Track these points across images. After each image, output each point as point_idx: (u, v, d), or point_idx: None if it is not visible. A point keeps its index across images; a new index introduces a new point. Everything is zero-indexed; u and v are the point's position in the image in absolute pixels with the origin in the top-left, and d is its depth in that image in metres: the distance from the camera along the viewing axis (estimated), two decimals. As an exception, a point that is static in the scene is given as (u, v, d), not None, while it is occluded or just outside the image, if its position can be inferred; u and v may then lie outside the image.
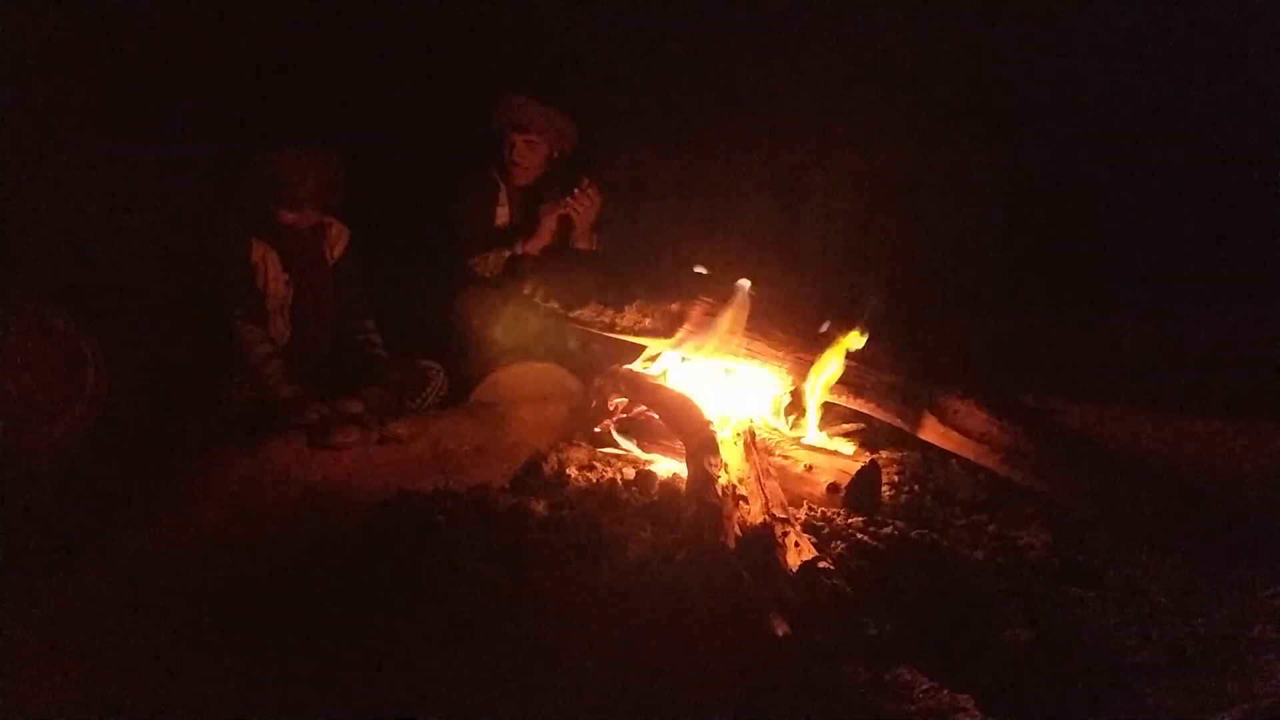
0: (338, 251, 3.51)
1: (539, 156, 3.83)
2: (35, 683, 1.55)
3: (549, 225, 3.75)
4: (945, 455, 2.62)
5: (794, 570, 1.79)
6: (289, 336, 3.37)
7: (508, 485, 2.52)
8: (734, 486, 2.07)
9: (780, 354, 2.64)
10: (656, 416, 2.78)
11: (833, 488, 2.51)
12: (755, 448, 2.37)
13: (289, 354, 3.29)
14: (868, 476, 2.42)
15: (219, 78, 4.06)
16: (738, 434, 2.41)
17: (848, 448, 2.86)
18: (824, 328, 2.59)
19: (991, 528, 2.21)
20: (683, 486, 2.21)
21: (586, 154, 4.15)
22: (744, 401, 2.81)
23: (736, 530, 1.90)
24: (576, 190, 3.70)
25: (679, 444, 2.51)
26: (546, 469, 2.63)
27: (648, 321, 2.59)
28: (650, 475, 2.52)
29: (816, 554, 1.87)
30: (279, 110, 3.72)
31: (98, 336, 2.55)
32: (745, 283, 2.64)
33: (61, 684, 1.55)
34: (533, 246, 3.72)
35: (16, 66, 3.35)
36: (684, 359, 2.86)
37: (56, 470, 2.39)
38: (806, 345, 2.61)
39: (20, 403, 2.38)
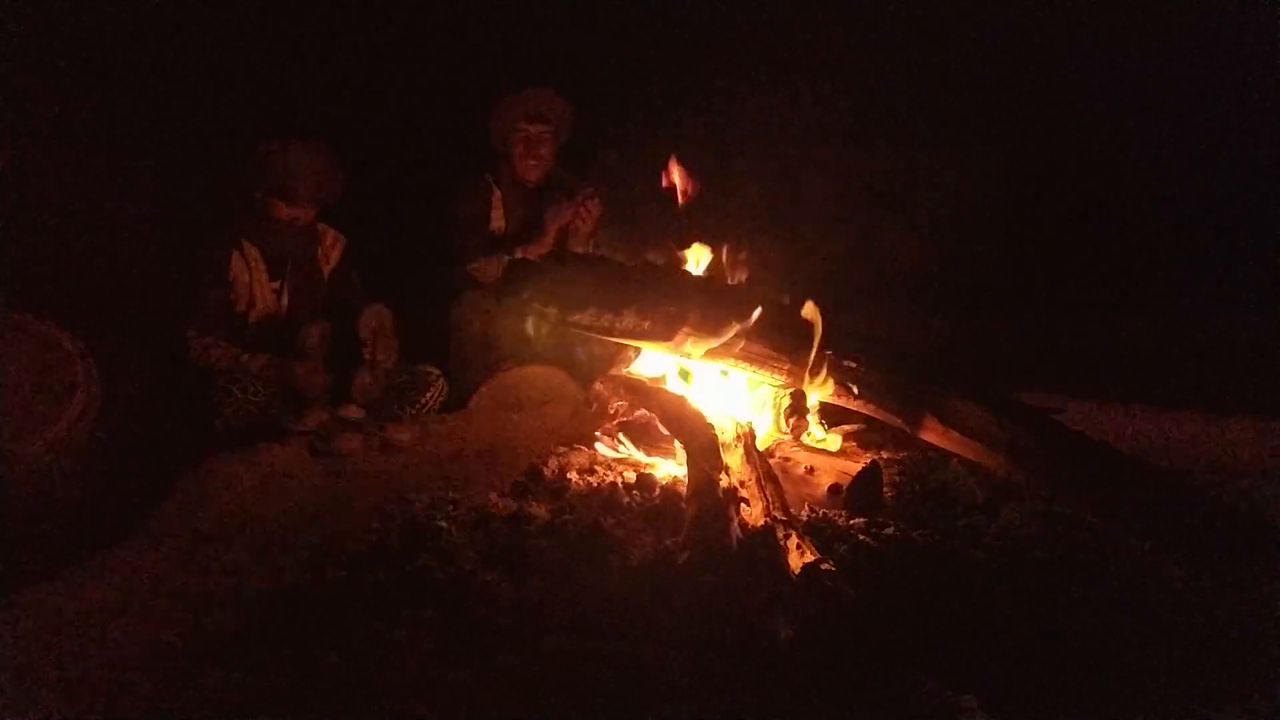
0: (334, 259, 3.50)
1: (553, 148, 3.85)
2: (34, 685, 1.55)
3: (552, 233, 3.75)
4: (945, 455, 2.63)
5: (796, 572, 1.80)
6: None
7: (509, 490, 2.52)
8: (735, 489, 2.08)
9: (778, 356, 2.64)
10: (657, 420, 2.78)
11: (834, 489, 2.52)
12: (756, 450, 2.37)
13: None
14: (869, 477, 2.42)
15: (217, 84, 4.07)
16: (738, 436, 2.42)
17: (834, 443, 2.87)
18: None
19: (992, 528, 2.21)
20: (684, 490, 2.22)
21: (586, 155, 4.16)
22: (744, 404, 2.81)
23: (738, 533, 1.90)
24: (581, 198, 3.71)
25: (680, 447, 2.51)
26: (547, 473, 2.63)
27: (647, 325, 2.58)
28: (651, 479, 2.52)
29: (818, 556, 1.87)
30: (277, 117, 3.73)
31: (89, 342, 2.54)
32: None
33: (60, 688, 1.56)
34: (534, 252, 3.73)
35: (12, 70, 3.35)
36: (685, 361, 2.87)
37: (51, 476, 2.39)
38: (802, 348, 2.62)
39: (10, 409, 2.38)
